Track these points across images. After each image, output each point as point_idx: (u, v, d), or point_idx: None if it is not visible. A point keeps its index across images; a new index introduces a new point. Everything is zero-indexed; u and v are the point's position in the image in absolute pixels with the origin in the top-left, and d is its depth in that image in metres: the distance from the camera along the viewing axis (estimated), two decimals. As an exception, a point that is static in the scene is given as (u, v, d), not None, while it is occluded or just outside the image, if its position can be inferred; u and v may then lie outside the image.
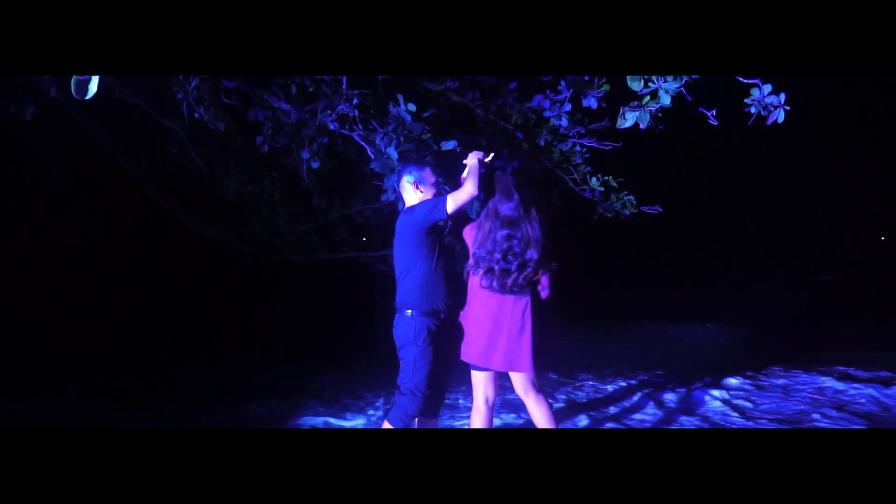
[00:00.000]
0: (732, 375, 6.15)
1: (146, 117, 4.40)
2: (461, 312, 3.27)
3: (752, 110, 3.34)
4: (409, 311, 3.09)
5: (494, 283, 3.08)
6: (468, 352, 3.19)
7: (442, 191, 3.39)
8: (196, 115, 3.26)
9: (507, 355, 3.10)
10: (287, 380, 6.06)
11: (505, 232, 3.09)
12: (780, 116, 3.27)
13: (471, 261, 3.19)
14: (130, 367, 6.50)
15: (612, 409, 5.13)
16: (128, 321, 8.51)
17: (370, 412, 4.88)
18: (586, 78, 4.24)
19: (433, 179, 3.26)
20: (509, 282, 3.07)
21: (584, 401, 5.43)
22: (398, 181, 3.34)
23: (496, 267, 3.07)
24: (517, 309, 3.11)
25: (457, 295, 3.26)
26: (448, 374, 3.37)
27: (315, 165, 4.46)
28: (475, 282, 3.18)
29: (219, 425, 4.54)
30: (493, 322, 3.11)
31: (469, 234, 3.27)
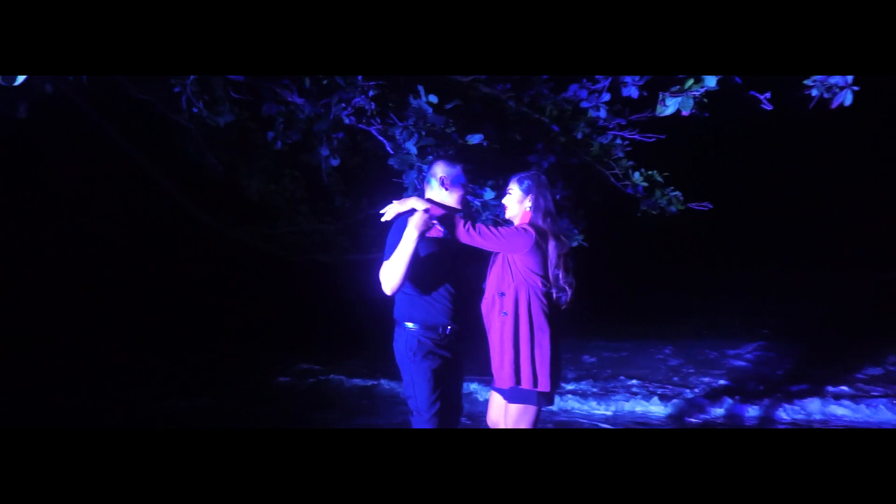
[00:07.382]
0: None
1: (162, 116, 4.26)
2: (543, 343, 2.74)
3: (814, 93, 2.93)
4: (409, 323, 2.75)
5: (563, 301, 2.82)
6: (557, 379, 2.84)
7: (466, 196, 2.98)
8: (195, 111, 3.06)
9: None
10: (313, 381, 5.92)
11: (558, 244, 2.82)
12: (848, 98, 2.84)
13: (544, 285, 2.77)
14: (152, 367, 6.47)
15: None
16: (148, 322, 8.51)
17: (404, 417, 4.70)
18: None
19: (463, 181, 2.89)
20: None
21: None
22: (426, 173, 3.02)
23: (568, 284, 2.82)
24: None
25: (467, 315, 2.87)
26: (460, 400, 2.98)
27: (334, 163, 4.22)
28: (540, 306, 2.75)
29: (243, 425, 4.41)
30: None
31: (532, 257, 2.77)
